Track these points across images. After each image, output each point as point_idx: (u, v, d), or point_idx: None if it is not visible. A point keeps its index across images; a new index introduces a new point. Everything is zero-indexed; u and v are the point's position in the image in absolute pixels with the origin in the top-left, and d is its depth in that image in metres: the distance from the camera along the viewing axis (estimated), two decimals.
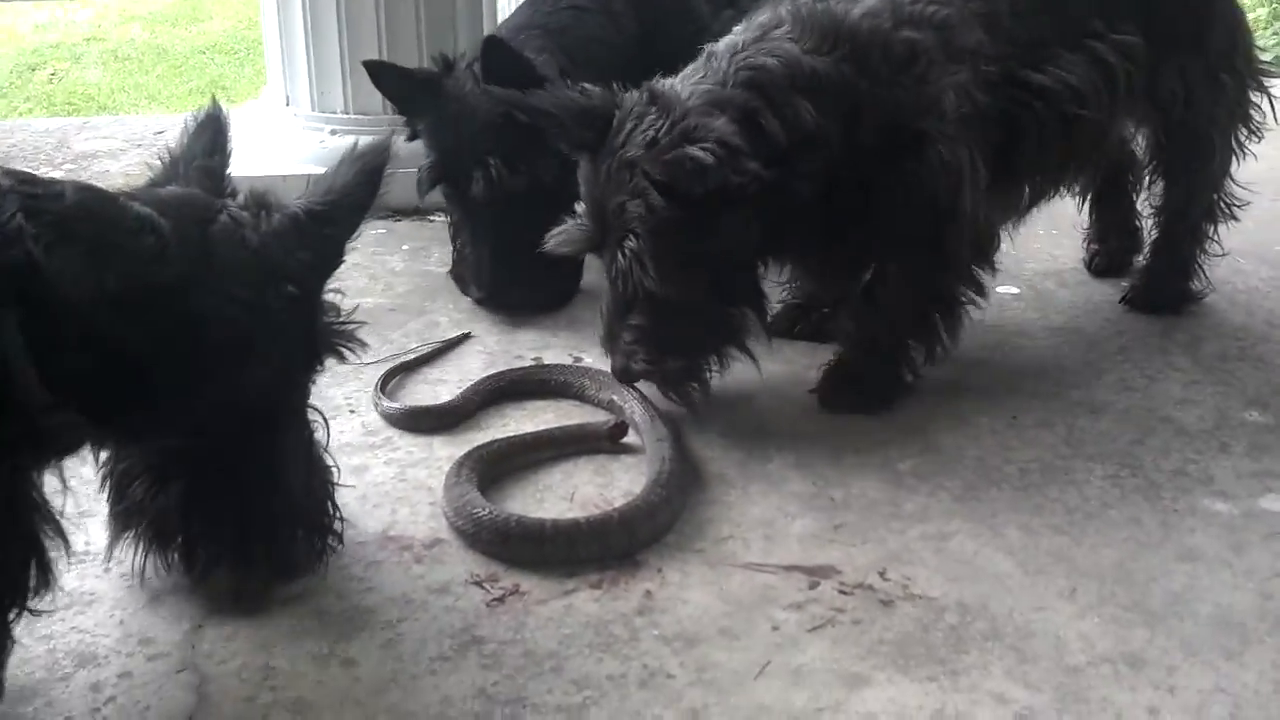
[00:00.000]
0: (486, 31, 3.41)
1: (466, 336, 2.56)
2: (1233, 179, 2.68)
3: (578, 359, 2.47)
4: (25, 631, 1.64)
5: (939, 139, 2.12)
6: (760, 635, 1.67)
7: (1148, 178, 2.68)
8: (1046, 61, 2.26)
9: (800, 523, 1.92)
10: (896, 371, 2.30)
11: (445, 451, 2.11)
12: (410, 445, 2.14)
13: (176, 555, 1.71)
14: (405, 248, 3.08)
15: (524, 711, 1.53)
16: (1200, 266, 2.72)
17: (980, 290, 2.30)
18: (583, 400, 2.30)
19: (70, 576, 1.76)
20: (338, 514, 1.80)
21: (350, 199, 1.64)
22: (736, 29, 2.18)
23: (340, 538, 1.81)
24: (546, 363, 2.43)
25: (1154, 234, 2.74)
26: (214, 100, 1.77)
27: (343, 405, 2.26)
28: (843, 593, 1.75)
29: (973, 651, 1.63)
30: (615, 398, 2.23)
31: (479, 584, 1.77)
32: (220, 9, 8.77)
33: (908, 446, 2.13)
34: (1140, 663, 1.62)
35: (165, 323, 1.48)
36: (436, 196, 2.73)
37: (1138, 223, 2.88)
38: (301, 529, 1.74)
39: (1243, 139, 2.63)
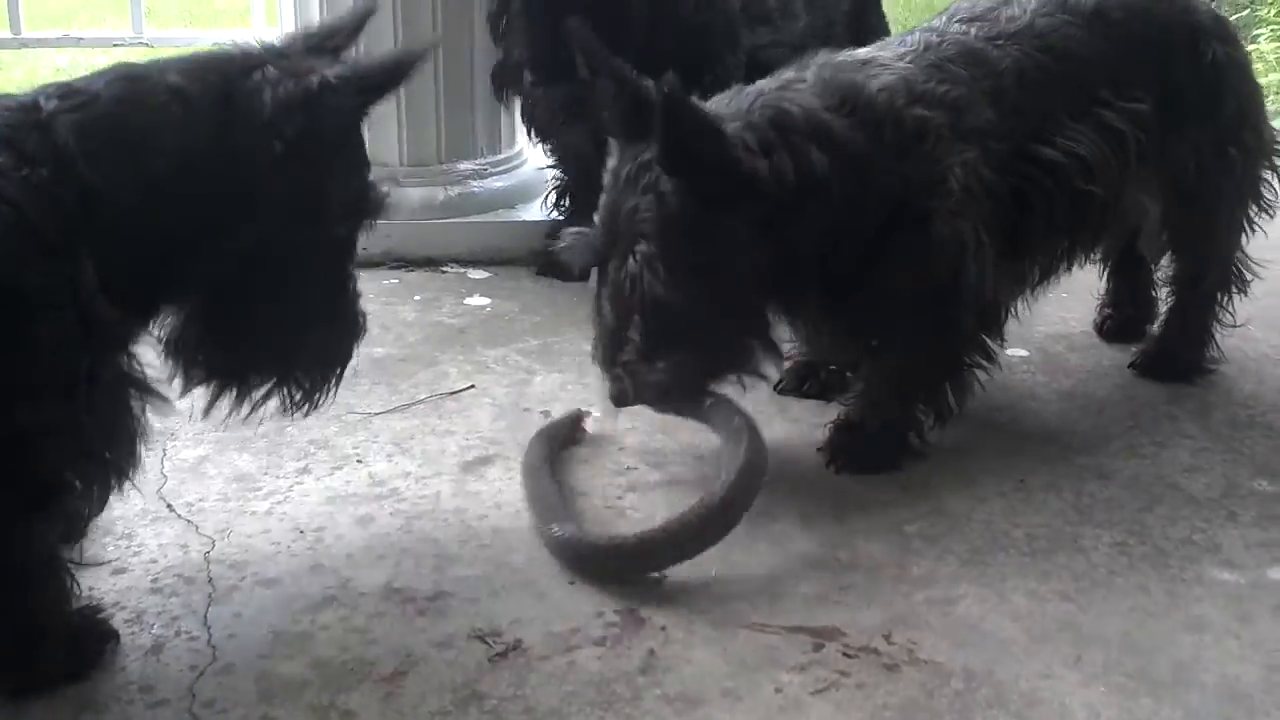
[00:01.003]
0: None
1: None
2: (1244, 252, 2.68)
3: (586, 413, 2.46)
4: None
5: (942, 216, 2.13)
6: (763, 697, 1.65)
7: (1159, 248, 2.68)
8: (1054, 133, 2.27)
9: (806, 583, 1.91)
10: (904, 435, 2.30)
11: (450, 503, 2.11)
12: (417, 497, 2.14)
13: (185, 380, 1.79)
14: (416, 298, 3.09)
15: None
16: (1213, 337, 2.71)
17: (989, 357, 2.31)
18: None
19: None
20: (341, 368, 1.86)
21: (366, 82, 1.71)
22: (762, 81, 2.21)
23: (316, 404, 1.87)
24: None
25: (1168, 302, 2.74)
26: (369, 4, 1.91)
27: (350, 455, 2.26)
28: (847, 655, 1.74)
29: (977, 718, 1.62)
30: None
31: (481, 638, 1.76)
32: None
33: (915, 508, 2.12)
34: None
35: (197, 186, 1.61)
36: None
37: (1153, 291, 2.87)
38: (287, 382, 1.82)
39: (1252, 215, 2.62)
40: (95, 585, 1.84)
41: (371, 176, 1.83)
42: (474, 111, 3.39)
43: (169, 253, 1.61)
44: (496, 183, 3.44)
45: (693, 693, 1.66)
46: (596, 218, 2.13)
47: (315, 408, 1.87)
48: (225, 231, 1.64)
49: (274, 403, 1.83)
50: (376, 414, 2.38)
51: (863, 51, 2.31)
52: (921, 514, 2.11)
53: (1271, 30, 8.27)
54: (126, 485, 1.65)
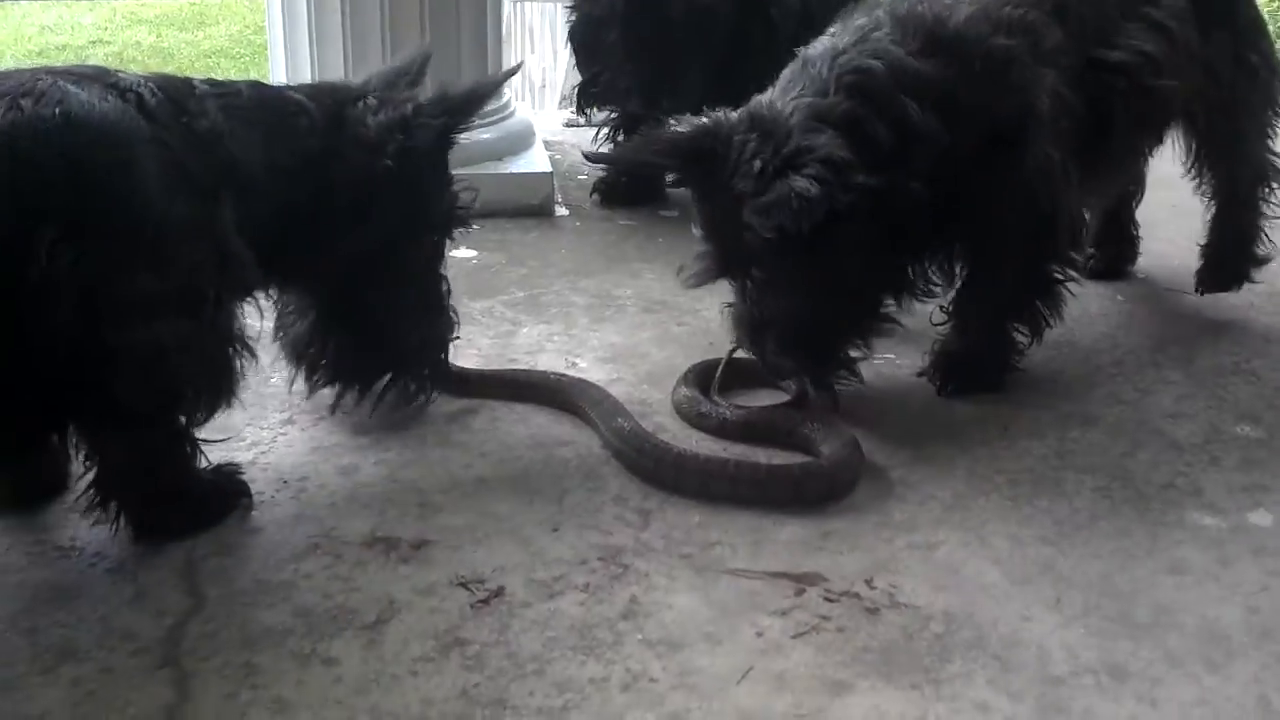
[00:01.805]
0: (490, 39, 3.43)
1: None
2: (1273, 152, 2.73)
3: (573, 363, 2.47)
4: (9, 627, 1.65)
5: (1036, 145, 2.15)
6: (744, 641, 1.66)
7: (1194, 163, 2.71)
8: (1115, 35, 2.31)
9: (788, 529, 1.91)
10: (1005, 356, 2.36)
11: (436, 453, 2.11)
12: (401, 446, 2.14)
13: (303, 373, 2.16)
14: None
15: (505, 714, 1.53)
16: (1263, 231, 2.77)
17: (1077, 269, 2.36)
18: None
19: (52, 572, 1.77)
20: (440, 368, 2.21)
21: (451, 105, 2.05)
22: (831, 30, 2.19)
23: (430, 394, 2.21)
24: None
25: (1211, 215, 2.78)
26: (427, 47, 2.25)
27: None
28: (828, 600, 1.75)
29: (956, 660, 1.63)
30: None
31: (464, 585, 1.76)
32: (226, 14, 8.80)
33: (898, 455, 2.13)
34: (1124, 674, 1.61)
35: (308, 186, 1.92)
36: None
37: (1135, 230, 2.94)
38: (402, 375, 2.15)
39: (1272, 121, 2.69)
40: (76, 534, 1.85)
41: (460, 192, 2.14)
42: (460, 64, 3.35)
43: (290, 229, 1.91)
44: (484, 134, 3.41)
45: (674, 637, 1.67)
46: (702, 238, 2.15)
47: (429, 400, 2.21)
48: (339, 230, 1.97)
49: (391, 396, 2.16)
50: None
51: None
52: (904, 460, 2.11)
53: None
54: (225, 407, 1.87)
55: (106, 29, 8.59)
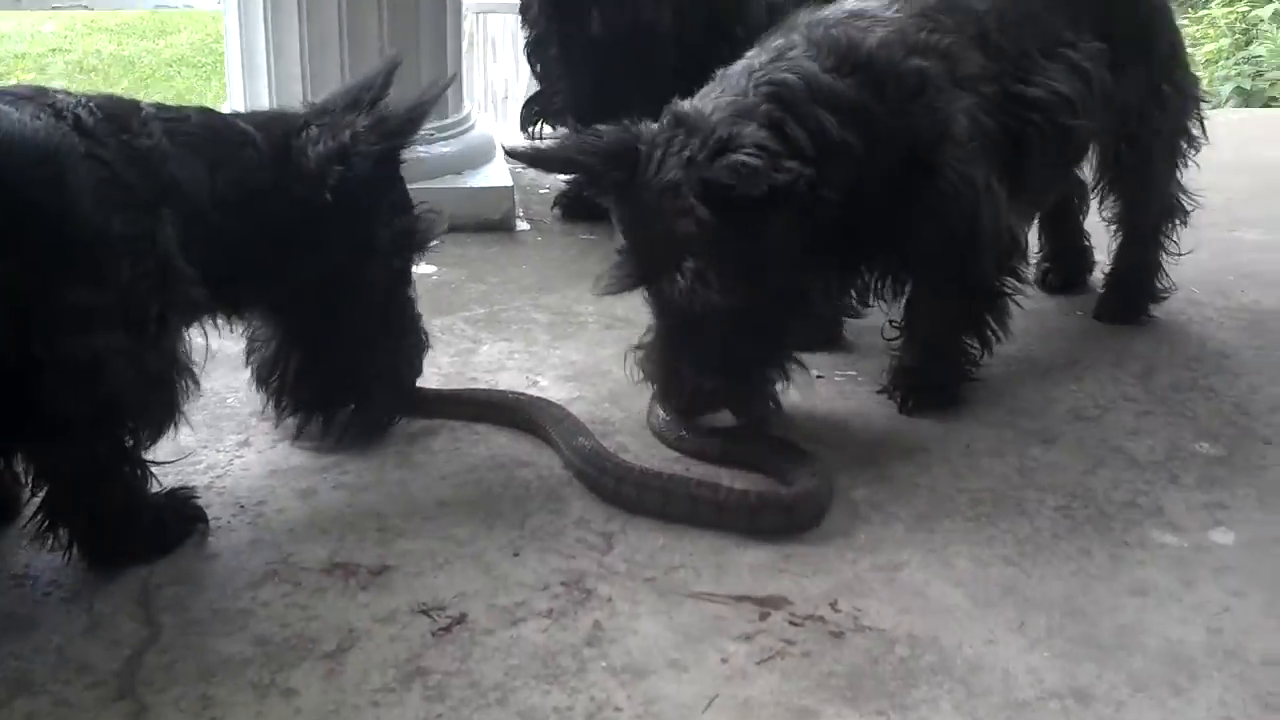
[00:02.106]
0: (450, 51, 3.41)
1: None
2: (1181, 186, 2.78)
3: (533, 381, 2.45)
4: None
5: (952, 164, 2.16)
6: (709, 667, 1.65)
7: (1101, 191, 2.76)
8: (1033, 73, 2.33)
9: (751, 552, 1.90)
10: (960, 367, 2.38)
11: (396, 475, 2.09)
12: (361, 469, 2.11)
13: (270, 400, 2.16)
14: None
15: None
16: (1161, 267, 2.82)
17: (1020, 279, 2.38)
18: None
19: (5, 601, 1.74)
20: (404, 395, 2.21)
21: (388, 128, 2.01)
22: (749, 53, 2.20)
23: (393, 421, 2.21)
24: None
25: (1115, 245, 2.83)
26: (394, 56, 2.19)
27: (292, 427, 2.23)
28: (793, 624, 1.74)
29: (922, 685, 1.63)
30: None
31: (425, 612, 1.74)
32: (188, 22, 8.71)
33: (860, 474, 2.12)
34: (1088, 698, 1.61)
35: (255, 218, 1.91)
36: None
37: (1086, 241, 2.99)
38: (364, 403, 2.15)
39: (1183, 150, 2.74)
40: (30, 562, 1.81)
41: (419, 213, 2.13)
42: (420, 74, 3.32)
43: (238, 257, 1.89)
44: (443, 148, 3.39)
45: (639, 664, 1.65)
46: (626, 249, 2.12)
47: (393, 426, 2.21)
48: (288, 259, 1.97)
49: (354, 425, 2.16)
50: None
51: (848, 4, 2.29)
52: (867, 480, 2.11)
53: None
54: (171, 427, 1.84)
55: (67, 37, 8.48)
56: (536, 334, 2.69)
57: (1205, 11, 8.52)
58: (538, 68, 3.41)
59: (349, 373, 2.12)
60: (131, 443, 1.79)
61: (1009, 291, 2.36)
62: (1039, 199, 2.58)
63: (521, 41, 4.02)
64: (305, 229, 1.96)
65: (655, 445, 2.21)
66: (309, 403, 2.14)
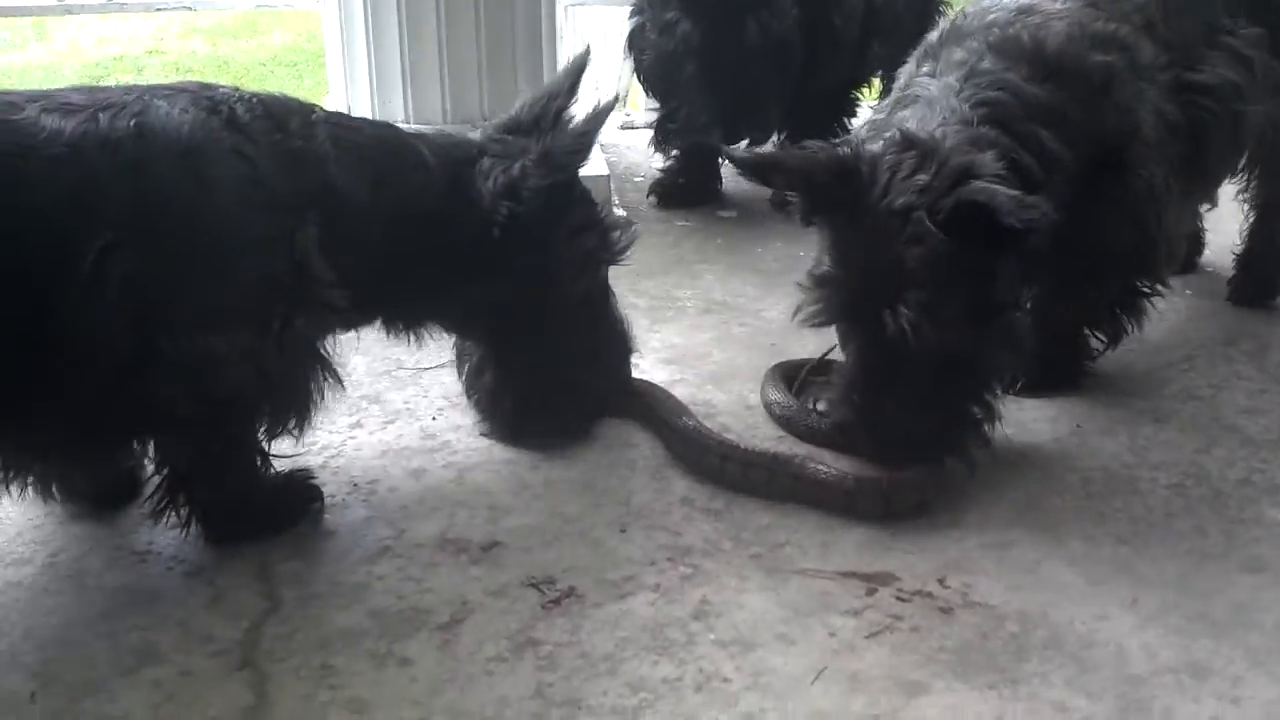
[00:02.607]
0: (545, 42, 3.44)
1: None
2: None
3: (634, 365, 2.46)
4: (89, 630, 1.67)
5: (1139, 164, 2.12)
6: (817, 641, 1.65)
7: (1245, 172, 2.69)
8: (1200, 61, 2.28)
9: (858, 530, 1.90)
10: (1079, 357, 2.35)
11: (503, 455, 2.12)
12: (469, 449, 2.15)
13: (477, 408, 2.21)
14: None
15: (579, 713, 1.53)
16: None
17: (1166, 285, 2.33)
18: None
19: (131, 575, 1.80)
20: (597, 394, 2.18)
21: (556, 160, 2.00)
22: (924, 69, 2.11)
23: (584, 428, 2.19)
24: None
25: (1248, 225, 2.77)
26: (586, 49, 2.18)
27: (402, 409, 2.28)
28: (901, 600, 1.74)
29: (1033, 660, 1.61)
30: None
31: (535, 586, 1.77)
32: (281, 22, 8.86)
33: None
34: (1204, 673, 1.59)
35: (424, 239, 1.92)
36: None
37: (1200, 222, 2.91)
38: (554, 411, 2.14)
39: None
40: (153, 539, 1.87)
41: (615, 221, 2.15)
42: (516, 67, 3.37)
43: (400, 273, 1.91)
44: None
45: (746, 637, 1.66)
46: (830, 274, 1.95)
47: (586, 432, 2.19)
48: (456, 283, 1.98)
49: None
50: (427, 369, 2.39)
51: (1009, 2, 2.19)
52: (976, 459, 2.09)
53: None
54: (305, 426, 1.86)
55: (162, 39, 8.67)
56: (636, 318, 2.68)
57: None
58: (663, 91, 3.37)
59: (546, 383, 2.12)
60: (251, 435, 1.82)
61: (1152, 293, 2.31)
62: (1211, 190, 2.53)
63: (612, 33, 4.05)
64: (477, 257, 1.97)
65: (759, 425, 2.21)
66: (506, 412, 2.15)
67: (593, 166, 3.44)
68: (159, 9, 4.33)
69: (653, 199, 3.52)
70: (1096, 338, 2.34)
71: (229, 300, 1.70)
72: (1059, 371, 2.33)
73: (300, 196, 1.77)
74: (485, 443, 2.17)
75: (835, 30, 3.30)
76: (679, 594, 1.75)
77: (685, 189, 3.47)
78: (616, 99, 1.98)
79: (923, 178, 1.85)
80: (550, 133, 2.03)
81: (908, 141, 1.90)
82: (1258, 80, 2.35)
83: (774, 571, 1.80)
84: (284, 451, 1.93)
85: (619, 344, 2.20)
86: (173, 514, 1.84)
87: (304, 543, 1.88)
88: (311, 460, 2.08)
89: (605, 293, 2.17)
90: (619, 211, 3.42)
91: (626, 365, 2.23)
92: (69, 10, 4.01)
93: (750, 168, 2.01)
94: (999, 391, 2.03)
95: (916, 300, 1.84)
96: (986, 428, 2.00)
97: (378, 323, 2.03)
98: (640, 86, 3.63)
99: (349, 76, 3.45)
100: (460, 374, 2.22)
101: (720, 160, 3.52)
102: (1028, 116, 1.99)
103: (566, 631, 1.67)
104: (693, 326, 2.66)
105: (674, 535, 1.89)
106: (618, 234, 2.13)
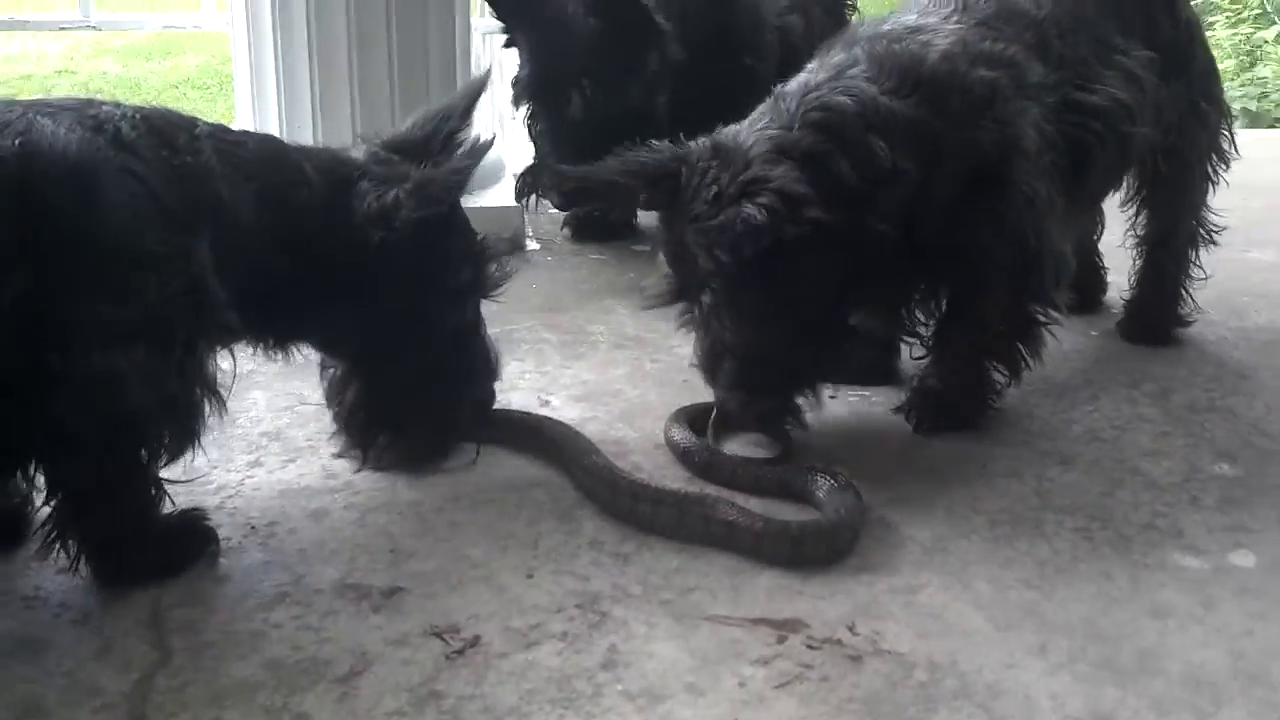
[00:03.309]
0: (459, 68, 3.41)
1: None
2: (1208, 207, 2.77)
3: (545, 401, 2.43)
4: None
5: (1020, 178, 2.14)
6: (726, 691, 1.63)
7: (1136, 206, 2.75)
8: (1093, 80, 2.31)
9: (768, 574, 1.88)
10: (982, 393, 2.34)
11: (407, 496, 2.07)
12: (372, 489, 2.10)
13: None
14: None
15: None
16: (1187, 292, 2.80)
17: (1059, 310, 2.34)
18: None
19: (16, 622, 1.72)
20: (453, 422, 2.17)
21: (429, 192, 1.97)
22: (809, 66, 2.18)
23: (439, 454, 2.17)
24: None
25: (1138, 264, 2.82)
26: (486, 71, 2.30)
27: (304, 447, 2.22)
28: (811, 648, 1.72)
29: (942, 710, 1.60)
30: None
31: (439, 635, 1.72)
32: (195, 44, 8.72)
33: (876, 496, 2.10)
34: None
35: (302, 258, 1.89)
36: None
37: (1102, 261, 2.99)
38: (412, 433, 2.12)
39: (1217, 167, 2.73)
40: (41, 584, 1.79)
41: (486, 260, 2.11)
42: (429, 94, 3.32)
43: (280, 289, 1.88)
44: None
45: (655, 688, 1.63)
46: (663, 262, 2.15)
47: (445, 456, 2.18)
48: (330, 301, 1.95)
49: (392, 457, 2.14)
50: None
51: (909, 18, 2.26)
52: (883, 501, 2.09)
53: (1226, 17, 8.35)
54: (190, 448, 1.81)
55: (73, 59, 8.49)
56: (548, 353, 2.68)
57: (1210, 33, 8.54)
58: (532, 140, 3.35)
59: (401, 405, 2.11)
60: (147, 461, 1.77)
61: (1046, 320, 2.32)
62: (1090, 211, 2.58)
63: None
64: (354, 276, 1.96)
65: (670, 465, 2.19)
66: (360, 429, 2.13)
67: (505, 198, 3.44)
68: (63, 27, 4.22)
69: (567, 231, 3.50)
70: (998, 371, 2.35)
71: (128, 318, 1.66)
72: (960, 408, 2.34)
73: (192, 213, 1.75)
74: (389, 482, 2.12)
75: (747, 68, 3.30)
76: (587, 643, 1.72)
77: (600, 222, 3.45)
78: (494, 138, 1.99)
79: (715, 189, 1.98)
80: (435, 158, 2.02)
81: (716, 148, 2.03)
82: (1148, 101, 2.40)
83: (683, 618, 1.78)
84: (178, 490, 1.87)
85: (484, 372, 2.18)
86: (61, 554, 1.76)
87: (197, 588, 1.81)
88: (208, 500, 2.02)
89: (477, 321, 2.16)
90: (532, 244, 3.41)
91: (490, 395, 2.22)
92: None
93: (575, 187, 2.19)
94: (818, 380, 2.19)
95: (708, 303, 2.04)
96: (800, 412, 2.20)
97: (244, 341, 1.99)
98: None
99: (258, 100, 3.39)
100: (322, 382, 2.19)
101: None
102: (866, 126, 2.03)
103: (470, 683, 1.63)
104: (605, 362, 2.64)
105: (582, 580, 1.86)
106: (494, 267, 2.12)
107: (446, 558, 1.91)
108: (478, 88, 2.16)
